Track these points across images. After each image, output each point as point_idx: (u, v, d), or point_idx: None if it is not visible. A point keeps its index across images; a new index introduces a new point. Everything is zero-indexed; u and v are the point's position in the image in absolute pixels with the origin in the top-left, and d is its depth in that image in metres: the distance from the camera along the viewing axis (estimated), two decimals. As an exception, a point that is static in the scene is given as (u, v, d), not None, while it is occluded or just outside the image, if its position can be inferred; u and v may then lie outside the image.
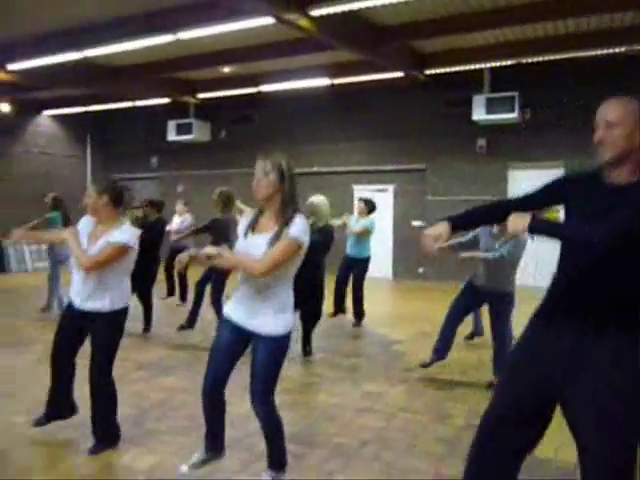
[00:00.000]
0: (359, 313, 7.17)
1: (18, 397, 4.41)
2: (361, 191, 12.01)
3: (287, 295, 2.76)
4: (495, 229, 4.80)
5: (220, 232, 5.90)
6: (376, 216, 7.53)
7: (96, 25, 7.33)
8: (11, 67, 8.27)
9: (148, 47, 7.87)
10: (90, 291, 3.33)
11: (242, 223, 2.83)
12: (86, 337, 3.46)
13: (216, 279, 6.16)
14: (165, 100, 12.28)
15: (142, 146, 14.53)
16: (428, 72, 9.50)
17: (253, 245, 2.68)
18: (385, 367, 5.48)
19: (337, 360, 5.66)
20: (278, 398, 4.32)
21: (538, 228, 2.06)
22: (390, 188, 12.10)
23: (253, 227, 2.74)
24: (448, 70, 9.50)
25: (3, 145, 12.95)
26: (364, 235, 7.08)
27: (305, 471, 3.25)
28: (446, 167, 11.22)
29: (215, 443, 3.04)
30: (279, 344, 2.72)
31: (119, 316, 3.39)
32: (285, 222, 2.62)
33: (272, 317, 2.69)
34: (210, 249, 2.66)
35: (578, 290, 2.07)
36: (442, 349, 4.96)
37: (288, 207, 2.65)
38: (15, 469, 3.25)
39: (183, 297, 8.35)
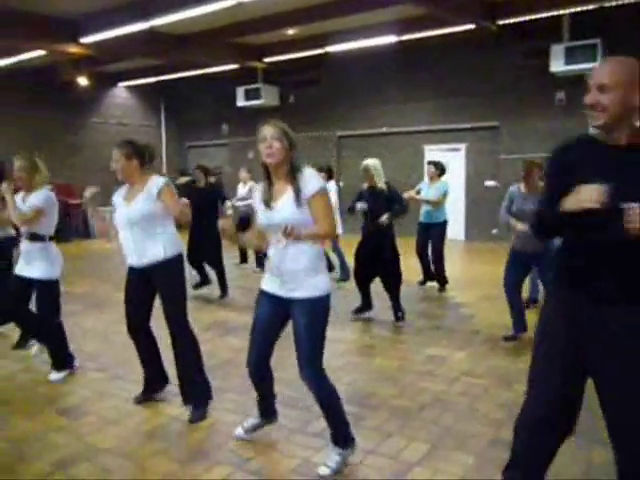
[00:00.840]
0: (441, 279, 7.04)
1: (97, 356, 4.72)
2: (432, 151, 11.70)
3: (317, 256, 2.73)
4: (523, 189, 4.78)
5: None
6: (448, 176, 7.33)
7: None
8: (83, 40, 8.56)
9: (212, 13, 7.89)
10: (141, 246, 3.36)
11: (256, 196, 2.84)
12: (153, 296, 3.50)
13: None
14: (233, 66, 12.35)
15: (213, 113, 14.78)
16: (501, 22, 8.96)
17: (277, 212, 2.67)
18: (450, 330, 5.39)
19: (401, 323, 5.62)
20: (339, 360, 4.47)
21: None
22: (462, 147, 11.70)
23: (270, 196, 2.73)
24: (523, 19, 8.92)
25: (82, 116, 13.58)
26: (441, 202, 6.91)
27: (363, 432, 3.27)
28: (521, 124, 10.66)
29: (267, 410, 3.13)
30: (318, 306, 2.69)
31: (176, 262, 3.43)
32: (296, 179, 2.65)
33: (306, 280, 2.67)
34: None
35: (604, 256, 1.93)
36: (519, 322, 4.91)
37: (297, 169, 2.68)
38: (84, 421, 3.50)
39: (260, 263, 8.12)
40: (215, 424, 3.43)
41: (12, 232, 5.16)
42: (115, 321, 5.07)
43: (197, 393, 3.51)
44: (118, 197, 3.50)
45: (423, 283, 7.34)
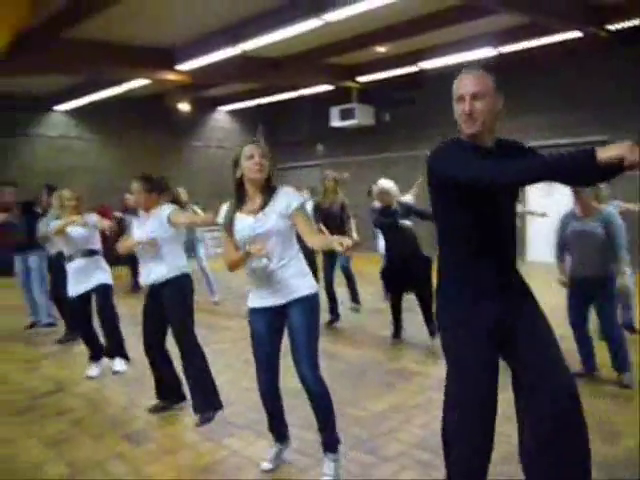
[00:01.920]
0: None
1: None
2: (534, 169, 10.93)
3: (301, 260, 2.89)
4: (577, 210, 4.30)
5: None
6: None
7: (248, 19, 7.56)
8: (180, 68, 8.92)
9: (304, 35, 7.90)
10: (150, 266, 3.70)
11: (221, 214, 2.95)
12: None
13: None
14: (327, 87, 12.37)
15: (307, 134, 14.88)
16: (610, 27, 8.18)
17: (262, 222, 2.78)
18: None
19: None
20: (416, 397, 4.11)
21: None
22: (568, 164, 10.81)
23: (239, 210, 2.87)
24: (635, 23, 8.08)
25: (184, 140, 14.19)
26: None
27: None
28: (632, 139, 9.63)
29: (282, 431, 3.13)
30: (311, 303, 2.83)
31: (182, 280, 3.70)
32: (270, 194, 2.82)
33: (296, 281, 2.82)
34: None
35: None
36: (588, 360, 4.39)
37: (271, 185, 2.85)
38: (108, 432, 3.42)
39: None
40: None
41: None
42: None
43: (204, 404, 3.67)
44: (136, 221, 3.93)
45: None
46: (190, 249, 7.79)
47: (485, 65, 2.23)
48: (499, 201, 2.22)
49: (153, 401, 4.16)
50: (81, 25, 7.04)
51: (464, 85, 2.14)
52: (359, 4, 6.44)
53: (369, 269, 8.90)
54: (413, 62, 10.43)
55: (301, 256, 2.92)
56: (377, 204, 7.39)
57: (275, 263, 2.78)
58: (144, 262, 3.75)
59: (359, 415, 3.78)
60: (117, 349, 4.72)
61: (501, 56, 9.51)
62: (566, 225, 4.38)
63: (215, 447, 3.42)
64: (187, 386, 3.80)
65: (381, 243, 7.42)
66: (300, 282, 2.83)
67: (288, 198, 2.80)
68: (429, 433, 3.55)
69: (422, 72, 10.97)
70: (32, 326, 6.53)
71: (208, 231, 13.35)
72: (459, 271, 2.23)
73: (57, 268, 5.62)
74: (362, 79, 11.71)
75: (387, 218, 5.44)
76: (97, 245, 4.78)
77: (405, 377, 4.67)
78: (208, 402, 3.67)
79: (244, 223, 2.81)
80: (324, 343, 3.29)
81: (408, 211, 5.50)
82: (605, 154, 1.78)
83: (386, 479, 2.96)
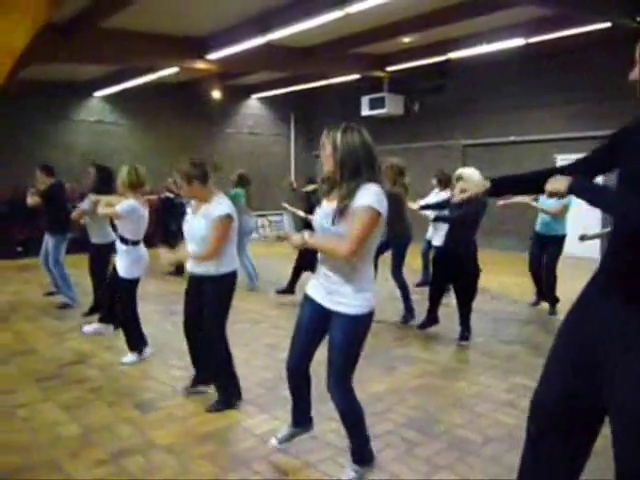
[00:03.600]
0: (551, 299, 6.45)
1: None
2: (565, 161, 10.79)
3: (367, 272, 2.63)
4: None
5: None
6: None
7: (276, 9, 7.72)
8: (210, 57, 9.15)
9: (332, 24, 7.99)
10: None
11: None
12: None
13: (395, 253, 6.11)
14: (357, 76, 12.43)
15: (339, 122, 14.91)
16: (643, 18, 8.01)
17: (324, 214, 2.63)
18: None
19: (493, 346, 5.24)
20: (416, 381, 4.27)
21: (579, 189, 1.81)
22: (600, 157, 10.63)
23: (328, 195, 2.69)
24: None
25: (218, 127, 14.48)
26: (562, 213, 6.35)
27: (411, 460, 3.09)
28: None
29: (302, 418, 3.07)
30: (358, 324, 2.59)
31: (224, 280, 3.61)
32: (347, 195, 2.50)
33: (351, 295, 2.58)
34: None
35: (627, 260, 1.83)
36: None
37: (350, 180, 2.52)
38: (147, 419, 3.69)
39: None
40: (268, 434, 3.42)
41: (110, 239, 5.76)
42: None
43: (221, 392, 3.74)
44: (190, 208, 3.78)
45: (536, 303, 6.80)
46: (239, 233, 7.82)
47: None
48: None
49: (167, 375, 4.45)
50: (115, 16, 7.32)
51: None
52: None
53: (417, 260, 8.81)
54: (442, 52, 10.38)
55: (370, 268, 2.65)
56: (443, 192, 7.13)
57: (338, 267, 2.58)
58: (192, 251, 3.63)
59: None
60: (128, 342, 4.77)
61: (530, 46, 9.40)
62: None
63: (218, 417, 3.65)
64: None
65: (433, 231, 7.13)
66: (352, 297, 2.56)
67: (355, 201, 2.50)
68: (419, 414, 3.71)
69: (451, 62, 10.92)
70: (50, 294, 7.01)
71: (259, 216, 13.65)
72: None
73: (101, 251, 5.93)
74: (392, 68, 11.72)
75: (459, 210, 5.22)
76: (128, 234, 4.65)
77: (409, 362, 4.82)
78: (225, 396, 3.72)
79: (317, 211, 2.75)
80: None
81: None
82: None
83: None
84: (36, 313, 6.52)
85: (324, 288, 2.68)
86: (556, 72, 10.60)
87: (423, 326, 5.68)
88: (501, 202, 6.52)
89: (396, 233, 5.78)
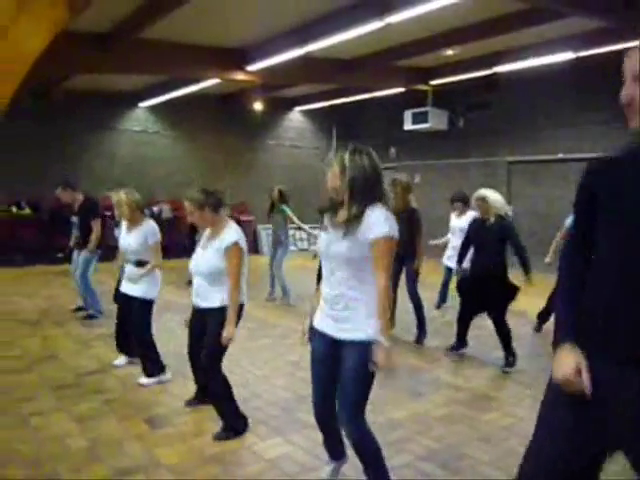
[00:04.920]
0: None
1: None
2: (616, 181, 10.28)
3: (373, 298, 2.46)
4: None
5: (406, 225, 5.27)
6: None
7: (315, 19, 7.63)
8: (250, 68, 9.13)
9: (375, 36, 7.86)
10: (203, 291, 3.55)
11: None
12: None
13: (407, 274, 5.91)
14: (400, 89, 12.24)
15: (381, 137, 14.78)
16: None
17: (329, 240, 2.54)
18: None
19: (530, 375, 4.90)
20: (441, 409, 4.00)
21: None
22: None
23: (330, 219, 2.58)
24: None
25: (259, 139, 14.52)
26: None
27: (429, 499, 2.85)
28: None
29: (336, 450, 2.92)
30: (370, 351, 2.41)
31: (225, 313, 3.43)
32: (356, 216, 2.43)
33: (362, 321, 2.44)
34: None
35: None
36: None
37: (359, 202, 2.45)
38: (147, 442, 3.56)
39: None
40: (280, 458, 3.26)
41: None
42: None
43: (225, 420, 3.56)
44: (201, 240, 3.71)
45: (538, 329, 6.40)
46: (275, 244, 7.78)
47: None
48: None
49: (183, 389, 4.33)
50: (155, 27, 7.39)
51: (630, 60, 1.63)
52: (425, 5, 6.30)
53: (427, 274, 8.64)
54: (488, 65, 10.09)
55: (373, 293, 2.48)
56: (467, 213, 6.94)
57: (344, 293, 2.49)
58: (197, 284, 3.57)
59: (375, 420, 3.70)
60: (145, 366, 4.54)
61: (580, 60, 9.02)
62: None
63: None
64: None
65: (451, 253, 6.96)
66: (363, 323, 2.44)
67: (363, 225, 2.44)
68: (441, 446, 3.45)
69: (498, 76, 10.61)
70: (78, 310, 6.94)
71: (296, 229, 13.63)
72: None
73: None
74: (436, 82, 11.49)
75: (484, 231, 5.05)
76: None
77: (436, 387, 4.56)
78: (228, 425, 3.55)
79: (322, 236, 2.64)
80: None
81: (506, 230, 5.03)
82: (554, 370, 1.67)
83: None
84: (66, 319, 6.56)
85: (331, 318, 2.54)
86: (608, 87, 10.11)
87: (453, 349, 5.44)
88: None
89: (408, 250, 5.60)
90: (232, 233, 3.46)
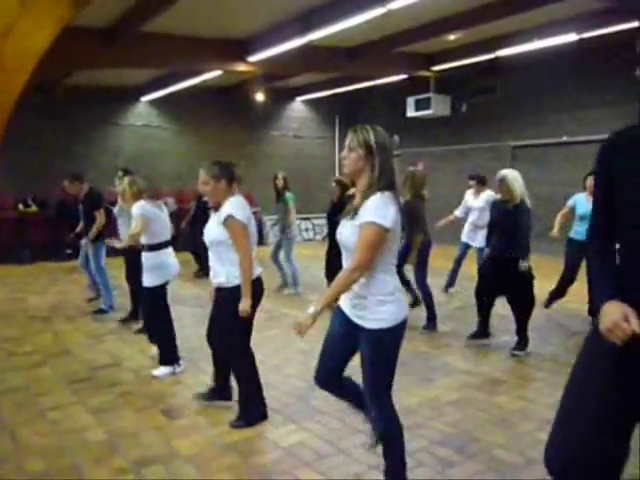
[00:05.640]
0: (591, 307, 6.09)
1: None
2: (622, 163, 10.23)
3: (387, 283, 2.47)
4: None
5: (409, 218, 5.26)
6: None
7: (317, 7, 7.59)
8: (251, 59, 9.10)
9: (376, 23, 7.81)
10: (213, 266, 3.52)
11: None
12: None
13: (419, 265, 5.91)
14: (403, 76, 12.18)
15: (384, 124, 14.52)
16: None
17: (343, 226, 2.53)
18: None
19: (540, 358, 4.92)
20: (453, 394, 4.04)
21: None
22: (661, 158, 10.02)
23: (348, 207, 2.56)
24: None
25: (263, 130, 14.49)
26: None
27: (445, 482, 2.88)
28: None
29: (358, 402, 2.82)
30: (383, 338, 2.45)
31: (236, 292, 3.38)
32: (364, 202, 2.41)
33: (371, 309, 2.46)
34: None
35: None
36: None
37: (372, 186, 2.42)
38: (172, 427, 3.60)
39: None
40: (295, 446, 3.30)
41: None
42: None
43: (242, 408, 3.57)
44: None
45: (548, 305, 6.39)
46: (282, 232, 7.72)
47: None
48: None
49: (197, 380, 4.37)
50: (156, 20, 7.37)
51: None
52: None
53: (439, 261, 8.61)
54: (490, 49, 10.03)
55: (390, 279, 2.48)
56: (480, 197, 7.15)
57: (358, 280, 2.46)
58: (210, 260, 3.55)
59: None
60: (161, 355, 4.58)
61: (584, 42, 8.95)
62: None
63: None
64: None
65: (471, 232, 7.23)
66: (374, 311, 2.44)
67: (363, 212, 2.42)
68: (455, 431, 3.49)
69: (501, 60, 10.53)
70: (91, 300, 7.06)
71: (303, 219, 13.61)
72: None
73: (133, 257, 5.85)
74: (438, 68, 11.43)
75: (504, 213, 4.99)
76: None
77: (447, 373, 4.58)
78: (245, 414, 3.55)
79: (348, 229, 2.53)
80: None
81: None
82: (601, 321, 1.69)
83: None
84: (76, 314, 6.61)
85: (349, 300, 2.55)
86: (612, 69, 10.05)
87: (474, 337, 5.37)
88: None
89: (415, 239, 5.64)
90: (227, 206, 3.37)
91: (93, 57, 8.27)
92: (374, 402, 2.55)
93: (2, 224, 10.67)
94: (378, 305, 2.44)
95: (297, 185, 11.22)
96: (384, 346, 2.47)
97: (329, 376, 2.72)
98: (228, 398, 3.84)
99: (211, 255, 3.52)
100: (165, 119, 13.33)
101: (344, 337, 2.61)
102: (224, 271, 3.44)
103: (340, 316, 2.63)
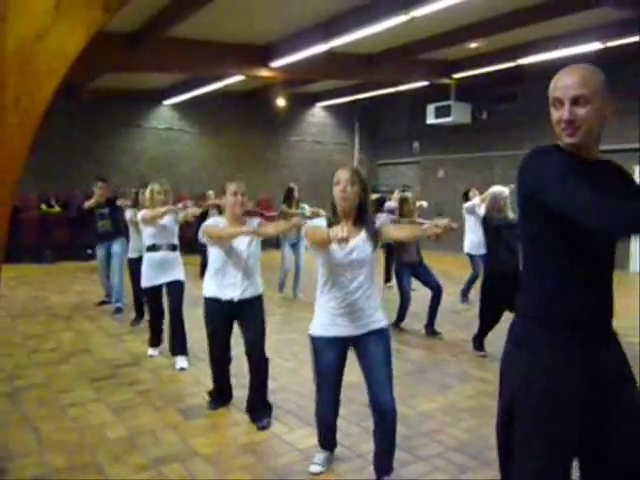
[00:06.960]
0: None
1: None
2: (644, 173, 10.14)
3: (377, 292, 2.91)
4: None
5: None
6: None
7: (339, 15, 7.65)
8: (273, 65, 9.19)
9: (397, 30, 7.84)
10: (241, 281, 3.61)
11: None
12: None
13: None
14: (423, 83, 12.19)
15: (404, 131, 14.75)
16: None
17: (352, 251, 2.75)
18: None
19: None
20: (468, 402, 4.03)
21: None
22: (684, 169, 9.91)
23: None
24: None
25: (282, 135, 14.59)
26: None
27: (459, 488, 2.89)
28: None
29: (333, 444, 3.15)
30: (387, 334, 2.85)
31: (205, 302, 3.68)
32: (368, 222, 2.80)
33: (378, 310, 2.84)
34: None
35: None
36: None
37: (366, 214, 2.80)
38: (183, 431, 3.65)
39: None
40: (311, 448, 3.31)
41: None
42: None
43: (260, 409, 3.68)
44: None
45: None
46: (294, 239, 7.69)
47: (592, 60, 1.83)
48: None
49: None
50: (180, 25, 7.49)
51: (564, 84, 1.71)
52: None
53: (453, 270, 8.76)
54: (512, 58, 10.01)
55: (377, 288, 2.91)
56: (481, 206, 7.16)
57: (360, 293, 2.76)
58: (235, 276, 3.61)
59: (406, 413, 3.76)
60: (181, 347, 4.82)
61: (607, 51, 8.89)
62: None
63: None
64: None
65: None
66: (378, 313, 2.82)
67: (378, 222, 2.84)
68: (471, 437, 3.49)
69: (522, 68, 10.50)
70: (102, 304, 7.10)
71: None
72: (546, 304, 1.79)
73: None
74: (459, 75, 11.42)
75: (504, 227, 5.06)
76: (177, 240, 4.93)
77: (464, 380, 4.58)
78: (261, 412, 3.66)
79: (337, 252, 2.73)
80: (394, 343, 3.19)
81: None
82: None
83: (414, 479, 2.96)
84: (97, 313, 6.72)
85: (346, 318, 2.78)
86: (633, 77, 9.97)
87: (475, 349, 5.36)
88: None
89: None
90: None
91: (118, 61, 8.43)
92: (392, 396, 2.78)
93: (25, 224, 10.86)
94: (379, 308, 2.85)
95: (315, 190, 11.30)
96: (390, 339, 2.89)
97: (334, 405, 2.97)
98: (229, 399, 3.97)
99: (238, 269, 3.56)
100: (187, 122, 13.50)
101: (343, 361, 2.87)
102: (257, 281, 3.65)
103: (332, 344, 2.81)
